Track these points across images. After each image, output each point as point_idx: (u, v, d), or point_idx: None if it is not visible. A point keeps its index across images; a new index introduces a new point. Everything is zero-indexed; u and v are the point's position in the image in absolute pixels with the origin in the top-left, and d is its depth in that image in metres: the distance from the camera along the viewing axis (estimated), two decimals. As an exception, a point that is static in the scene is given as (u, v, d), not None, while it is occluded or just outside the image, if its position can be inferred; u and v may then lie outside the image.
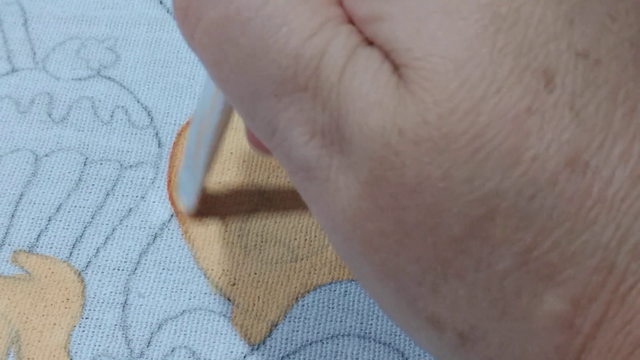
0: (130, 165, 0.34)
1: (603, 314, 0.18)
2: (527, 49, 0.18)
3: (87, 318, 0.30)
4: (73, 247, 0.32)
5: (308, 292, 0.31)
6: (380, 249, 0.20)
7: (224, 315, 0.31)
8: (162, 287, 0.31)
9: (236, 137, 0.34)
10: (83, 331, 0.30)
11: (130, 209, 0.33)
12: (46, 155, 0.34)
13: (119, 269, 0.32)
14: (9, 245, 0.32)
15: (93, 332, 0.30)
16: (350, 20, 0.20)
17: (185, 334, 0.30)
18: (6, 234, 0.32)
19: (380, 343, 0.30)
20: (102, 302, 0.31)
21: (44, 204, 0.33)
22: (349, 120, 0.19)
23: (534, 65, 0.18)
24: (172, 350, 0.30)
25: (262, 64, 0.20)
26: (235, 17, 0.20)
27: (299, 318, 0.30)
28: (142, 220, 0.33)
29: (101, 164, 0.34)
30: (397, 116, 0.19)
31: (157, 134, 0.35)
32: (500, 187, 0.18)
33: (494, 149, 0.18)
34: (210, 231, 0.32)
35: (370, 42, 0.20)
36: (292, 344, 0.30)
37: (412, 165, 0.19)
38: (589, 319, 0.18)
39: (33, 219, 0.33)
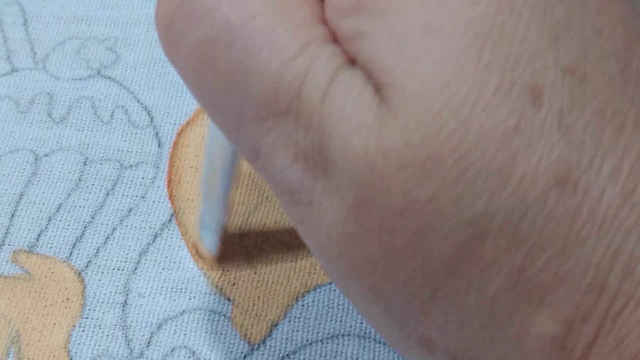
0: (130, 165, 0.34)
1: (596, 333, 0.18)
2: (512, 66, 0.18)
3: (87, 318, 0.30)
4: (73, 247, 0.32)
5: (308, 292, 0.31)
6: (367, 273, 0.19)
7: (224, 315, 0.31)
8: (162, 287, 0.31)
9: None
10: (83, 331, 0.30)
11: (131, 208, 0.33)
12: (46, 155, 0.34)
13: (119, 269, 0.32)
14: (9, 245, 0.32)
15: (93, 332, 0.30)
16: (335, 39, 0.20)
17: (185, 334, 0.30)
18: (6, 233, 0.32)
19: (380, 343, 0.30)
20: (102, 302, 0.31)
21: (44, 204, 0.33)
22: (332, 143, 0.19)
23: (520, 82, 0.18)
24: (172, 350, 0.30)
25: (243, 89, 0.20)
26: (215, 39, 0.20)
27: (299, 318, 0.30)
28: (142, 220, 0.33)
29: (101, 163, 0.34)
30: (380, 139, 0.18)
31: (157, 133, 0.35)
32: (489, 207, 0.18)
33: (482, 168, 0.18)
34: (210, 231, 0.32)
35: (353, 62, 0.19)
36: (292, 344, 0.30)
37: (397, 189, 0.18)
38: (581, 340, 0.18)
39: (33, 218, 0.33)
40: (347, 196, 0.19)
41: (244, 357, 0.30)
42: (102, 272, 0.31)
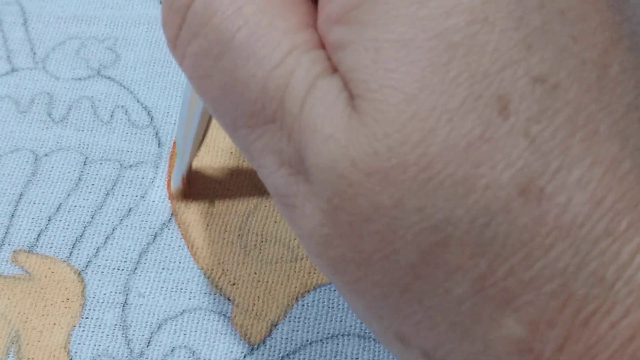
0: (130, 165, 0.34)
1: (564, 339, 0.18)
2: (481, 77, 0.18)
3: (87, 318, 0.30)
4: (73, 247, 0.32)
5: (308, 291, 0.31)
6: (344, 273, 0.20)
7: (223, 315, 0.31)
8: (162, 287, 0.31)
9: (236, 137, 0.34)
10: (83, 331, 0.30)
11: (130, 208, 0.33)
12: (46, 155, 0.34)
13: (118, 269, 0.32)
14: (9, 245, 0.32)
15: (93, 331, 0.30)
16: (323, 44, 0.20)
17: (185, 334, 0.30)
18: (6, 233, 0.32)
19: (380, 343, 0.30)
20: (102, 302, 0.31)
21: (43, 204, 0.33)
22: (307, 151, 0.20)
23: (487, 93, 0.18)
24: (172, 350, 0.30)
25: (234, 98, 0.21)
26: (210, 51, 0.21)
27: (299, 318, 0.30)
28: (142, 220, 0.33)
29: (101, 163, 0.34)
30: (349, 148, 0.19)
31: (157, 133, 0.35)
32: (452, 215, 0.18)
33: (445, 178, 0.18)
34: (210, 231, 0.32)
35: (335, 69, 0.20)
36: (292, 344, 0.30)
37: (365, 195, 0.19)
38: (549, 344, 0.18)
39: (33, 218, 0.33)
40: (322, 202, 0.20)
41: (244, 357, 0.30)
42: (102, 272, 0.31)
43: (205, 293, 0.31)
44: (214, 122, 0.32)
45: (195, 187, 0.33)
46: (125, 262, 0.32)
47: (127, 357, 0.30)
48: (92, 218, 0.33)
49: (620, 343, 0.18)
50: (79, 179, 0.34)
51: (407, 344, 0.20)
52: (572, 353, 0.18)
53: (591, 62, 0.19)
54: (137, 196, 0.33)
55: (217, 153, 0.34)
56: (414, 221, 0.19)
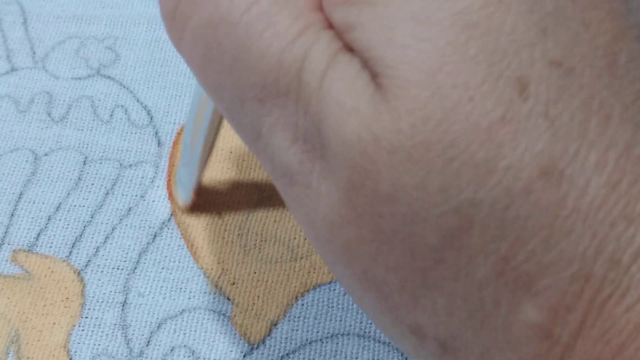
0: (130, 165, 0.34)
1: (581, 323, 0.18)
2: (499, 57, 0.18)
3: (86, 317, 0.30)
4: (72, 247, 0.32)
5: (307, 291, 0.31)
6: (359, 257, 0.20)
7: (223, 314, 0.31)
8: (162, 287, 0.31)
9: (235, 136, 0.34)
10: (82, 330, 0.30)
11: (130, 208, 0.33)
12: (46, 155, 0.34)
13: (118, 268, 0.32)
14: (9, 244, 0.32)
15: (93, 331, 0.30)
16: (331, 26, 0.20)
17: (184, 333, 0.30)
18: (5, 233, 0.32)
19: (379, 342, 0.30)
20: (102, 302, 0.31)
21: (43, 203, 0.33)
22: (327, 126, 0.19)
23: (507, 73, 0.18)
24: (172, 350, 0.30)
25: (245, 69, 0.20)
26: (219, 21, 0.20)
27: (299, 317, 0.30)
28: (142, 220, 0.33)
29: (101, 163, 0.34)
30: (372, 124, 0.19)
31: (156, 133, 0.35)
32: (474, 197, 0.18)
33: (468, 159, 0.18)
34: (209, 230, 0.32)
35: (350, 49, 0.20)
36: (291, 343, 0.30)
37: (387, 174, 0.19)
38: (567, 329, 0.18)
39: (32, 218, 0.33)
40: (341, 180, 0.19)
41: (244, 356, 0.30)
42: (102, 272, 0.31)
43: (204, 292, 0.31)
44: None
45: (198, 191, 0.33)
46: (124, 261, 0.32)
47: (126, 356, 0.30)
48: (91, 217, 0.33)
49: (634, 326, 0.18)
50: (79, 178, 0.34)
51: (423, 337, 0.20)
52: (588, 337, 0.18)
53: (602, 49, 0.19)
54: (136, 196, 0.33)
55: (217, 153, 0.34)
56: (436, 202, 0.18)
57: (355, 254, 0.20)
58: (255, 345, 0.30)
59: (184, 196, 0.32)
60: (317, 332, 0.30)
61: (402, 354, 0.30)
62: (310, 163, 0.20)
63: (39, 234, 0.32)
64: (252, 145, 0.21)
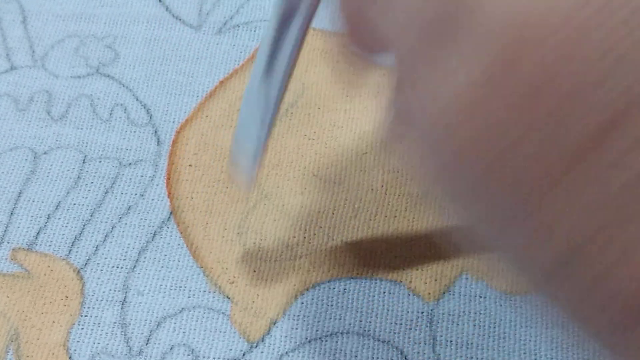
0: (129, 163, 0.34)
1: None
2: None
3: (86, 316, 0.30)
4: (72, 245, 0.32)
5: (307, 290, 0.31)
6: (495, 144, 0.18)
7: (223, 313, 0.31)
8: (161, 285, 0.31)
9: (235, 135, 0.34)
10: (82, 329, 0.30)
11: (130, 206, 0.33)
12: (45, 153, 0.34)
13: (118, 267, 0.32)
14: (8, 243, 0.32)
15: (92, 329, 0.30)
16: None
17: (184, 332, 0.30)
18: (5, 231, 0.32)
19: (379, 341, 0.30)
20: (101, 300, 0.31)
21: (43, 202, 0.33)
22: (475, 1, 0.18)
23: None
24: (171, 348, 0.30)
25: None
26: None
27: (298, 316, 0.30)
28: (141, 218, 0.33)
29: (100, 161, 0.34)
30: (529, 1, 0.17)
31: (156, 131, 0.35)
32: (629, 92, 0.17)
33: (629, 48, 0.16)
34: (209, 229, 0.32)
35: None
36: (291, 342, 0.30)
37: (543, 56, 0.17)
38: None
39: (32, 216, 0.33)
40: (487, 57, 0.18)
41: (243, 354, 0.30)
42: (101, 270, 0.31)
43: (204, 291, 0.31)
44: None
45: (195, 185, 0.33)
46: (124, 260, 0.32)
47: (126, 355, 0.30)
48: (91, 216, 0.33)
49: None
50: (78, 177, 0.34)
51: (552, 236, 0.18)
52: None
53: None
54: (136, 194, 0.33)
55: (217, 151, 0.34)
56: (591, 95, 0.17)
57: (481, 145, 0.18)
58: (255, 344, 0.30)
59: (249, 165, 0.28)
60: (317, 330, 0.30)
61: (401, 353, 0.30)
62: (449, 33, 0.18)
63: (38, 233, 0.32)
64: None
